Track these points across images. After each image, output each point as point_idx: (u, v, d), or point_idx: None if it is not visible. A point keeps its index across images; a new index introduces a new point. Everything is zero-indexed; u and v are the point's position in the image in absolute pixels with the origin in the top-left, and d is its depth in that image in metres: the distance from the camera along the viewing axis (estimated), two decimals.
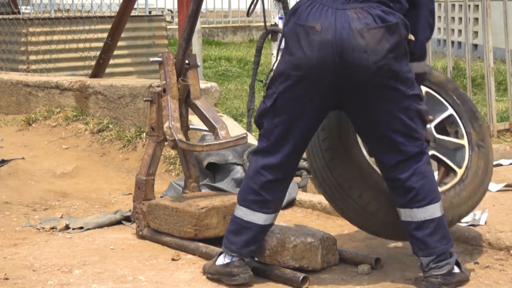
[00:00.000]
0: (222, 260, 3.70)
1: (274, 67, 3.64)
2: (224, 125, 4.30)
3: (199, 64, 4.58)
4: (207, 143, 4.24)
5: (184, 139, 4.22)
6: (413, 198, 3.57)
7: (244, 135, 4.28)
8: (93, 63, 7.08)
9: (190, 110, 4.48)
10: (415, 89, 3.56)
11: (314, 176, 3.88)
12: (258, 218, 3.65)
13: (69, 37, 7.91)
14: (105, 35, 6.88)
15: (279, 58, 3.61)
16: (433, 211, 3.59)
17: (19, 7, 10.05)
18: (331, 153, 3.77)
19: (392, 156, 3.56)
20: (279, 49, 3.65)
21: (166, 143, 4.47)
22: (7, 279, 3.73)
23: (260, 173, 3.62)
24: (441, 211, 3.62)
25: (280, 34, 3.64)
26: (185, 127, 4.50)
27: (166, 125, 4.25)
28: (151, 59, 4.48)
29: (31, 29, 7.90)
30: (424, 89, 3.90)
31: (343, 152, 3.77)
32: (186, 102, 4.41)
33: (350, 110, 3.59)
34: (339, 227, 4.61)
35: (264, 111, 3.60)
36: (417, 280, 3.74)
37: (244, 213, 3.66)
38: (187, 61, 4.42)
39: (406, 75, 3.53)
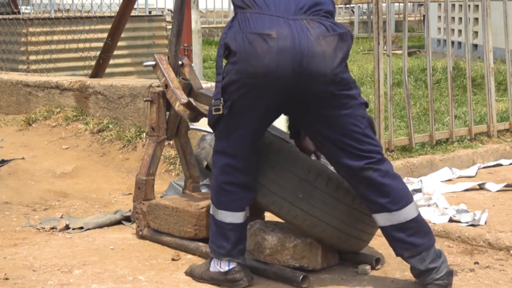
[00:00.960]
0: (216, 266, 3.70)
1: (223, 76, 3.59)
2: None
3: (193, 64, 4.59)
4: None
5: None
6: (389, 202, 3.58)
7: None
8: (93, 63, 7.08)
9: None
10: (363, 99, 3.65)
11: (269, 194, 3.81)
12: (238, 217, 3.69)
13: (69, 37, 7.91)
14: (105, 35, 6.87)
15: (226, 67, 3.58)
16: (411, 211, 3.60)
17: (19, 7, 10.05)
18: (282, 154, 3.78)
19: (357, 160, 3.57)
20: (221, 60, 3.62)
21: (166, 143, 4.47)
22: (7, 279, 3.74)
23: (228, 173, 3.67)
24: (417, 210, 3.65)
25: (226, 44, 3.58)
26: (185, 127, 4.51)
27: (177, 104, 4.21)
28: (145, 63, 4.49)
29: (31, 29, 7.90)
30: None
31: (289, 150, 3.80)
32: (190, 96, 4.41)
33: (305, 116, 3.62)
34: None
35: (219, 117, 3.62)
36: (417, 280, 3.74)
37: (224, 216, 3.68)
38: (180, 62, 4.44)
39: (354, 84, 3.61)
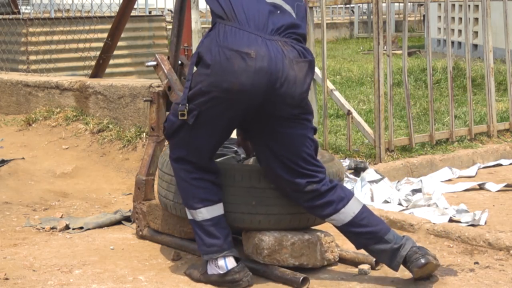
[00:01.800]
0: (214, 268, 3.70)
1: (192, 84, 3.63)
2: None
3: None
4: None
5: None
6: (334, 205, 3.72)
7: None
8: (93, 63, 7.08)
9: None
10: (314, 125, 3.80)
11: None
12: (219, 208, 3.73)
13: (69, 37, 7.91)
14: (105, 35, 6.87)
15: (195, 76, 3.62)
16: (356, 203, 3.74)
17: (19, 7, 10.05)
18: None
19: (300, 177, 3.69)
20: (193, 67, 3.67)
21: (166, 143, 4.47)
22: (7, 279, 3.74)
23: (193, 171, 3.72)
24: (361, 202, 3.79)
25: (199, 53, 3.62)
26: None
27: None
28: (147, 63, 4.49)
29: (31, 29, 7.91)
30: None
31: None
32: None
33: (261, 131, 3.70)
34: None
35: (181, 126, 3.68)
36: (417, 280, 3.74)
37: (205, 213, 3.71)
38: (180, 61, 4.44)
39: (311, 109, 3.75)
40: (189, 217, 3.77)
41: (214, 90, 3.56)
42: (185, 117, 3.62)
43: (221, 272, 3.68)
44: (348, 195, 3.76)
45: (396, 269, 3.71)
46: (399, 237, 3.72)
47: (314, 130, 3.78)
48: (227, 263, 3.68)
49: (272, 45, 3.56)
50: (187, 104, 3.62)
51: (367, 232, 3.71)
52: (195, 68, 3.65)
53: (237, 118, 3.66)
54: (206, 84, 3.57)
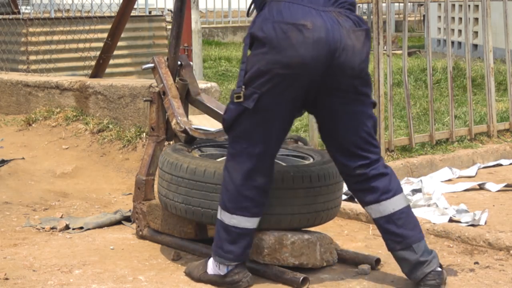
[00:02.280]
0: (215, 269, 3.67)
1: (248, 67, 3.52)
2: None
3: (191, 63, 4.59)
4: (218, 130, 4.19)
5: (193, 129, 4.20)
6: (379, 194, 3.64)
7: None
8: (93, 63, 7.08)
9: (189, 111, 4.48)
10: (373, 99, 3.70)
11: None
12: (253, 222, 3.64)
13: (69, 37, 7.90)
14: (105, 35, 6.87)
15: (250, 58, 3.52)
16: (400, 201, 3.65)
17: (19, 7, 10.05)
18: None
19: (353, 159, 3.63)
20: (247, 48, 3.56)
21: (166, 143, 4.47)
22: (7, 279, 3.74)
23: (251, 177, 3.59)
24: (407, 202, 3.70)
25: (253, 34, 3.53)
26: None
27: (173, 122, 4.24)
28: (144, 66, 4.49)
29: (31, 29, 7.90)
30: None
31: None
32: (187, 100, 4.41)
33: (323, 110, 3.62)
34: (338, 227, 4.61)
35: (242, 113, 3.54)
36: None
37: (239, 221, 3.62)
38: (179, 62, 4.43)
39: (370, 82, 3.67)
40: (219, 216, 3.66)
41: (274, 68, 3.45)
42: (241, 99, 3.49)
43: (222, 273, 3.66)
44: (395, 189, 3.65)
45: (414, 281, 3.65)
46: (427, 251, 3.63)
47: (374, 104, 3.68)
48: (229, 267, 3.66)
49: (327, 16, 3.48)
50: (243, 87, 3.50)
51: (398, 233, 3.62)
52: (249, 52, 3.54)
53: (299, 97, 3.54)
54: (265, 63, 3.46)
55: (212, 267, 3.69)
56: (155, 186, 4.45)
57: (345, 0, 3.57)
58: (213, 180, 3.77)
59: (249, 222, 3.62)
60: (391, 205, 3.64)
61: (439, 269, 3.63)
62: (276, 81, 3.47)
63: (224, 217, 3.64)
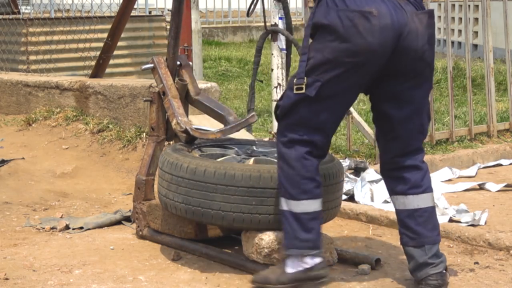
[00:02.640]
0: (296, 265, 3.56)
1: (310, 56, 3.49)
2: (230, 111, 4.28)
3: (190, 63, 4.59)
4: (219, 129, 4.19)
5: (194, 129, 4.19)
6: (409, 187, 3.63)
7: (253, 113, 4.24)
8: (93, 63, 7.08)
9: (189, 111, 4.48)
10: (432, 84, 3.68)
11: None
12: (319, 204, 3.59)
13: (69, 37, 7.90)
14: (105, 35, 6.87)
15: (313, 46, 3.49)
16: (427, 200, 3.64)
17: (19, 7, 10.05)
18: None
19: (403, 146, 3.62)
20: (308, 40, 3.52)
21: (166, 143, 4.47)
22: (7, 279, 3.74)
23: (306, 159, 3.55)
24: (433, 202, 3.68)
25: (306, 26, 3.50)
26: None
27: (174, 122, 4.24)
28: (143, 67, 4.48)
29: (31, 29, 7.90)
30: None
31: None
32: (187, 100, 4.41)
33: (382, 93, 3.62)
34: (338, 227, 4.61)
35: (301, 100, 3.51)
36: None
37: (307, 205, 3.56)
38: (178, 62, 4.43)
39: (433, 66, 3.65)
40: (284, 207, 3.58)
41: (340, 56, 3.45)
42: (302, 91, 3.48)
43: (306, 266, 3.55)
44: (426, 186, 3.64)
45: (416, 279, 3.65)
46: (438, 255, 3.62)
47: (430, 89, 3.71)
48: (315, 259, 3.56)
49: (389, 1, 3.48)
50: (305, 78, 3.48)
51: (415, 230, 3.61)
52: (310, 40, 3.54)
53: (363, 83, 3.55)
54: (330, 51, 3.45)
55: (291, 264, 3.57)
56: (155, 186, 4.45)
57: None
58: (213, 180, 3.77)
59: (316, 204, 3.58)
60: (417, 201, 3.63)
61: (444, 271, 3.62)
62: (342, 69, 3.47)
63: (292, 206, 3.57)
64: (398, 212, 3.68)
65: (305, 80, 3.48)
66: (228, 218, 3.76)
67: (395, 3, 3.50)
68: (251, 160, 4.05)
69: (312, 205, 3.57)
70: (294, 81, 3.51)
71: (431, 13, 3.59)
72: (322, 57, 3.47)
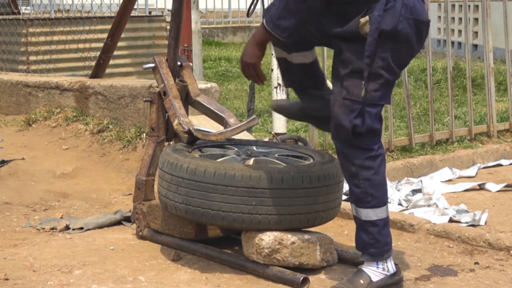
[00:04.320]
0: (380, 272, 3.57)
1: (380, 68, 3.48)
2: (230, 113, 4.28)
3: (190, 64, 4.59)
4: (220, 131, 4.19)
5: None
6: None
7: (254, 116, 4.24)
8: (93, 63, 7.08)
9: (190, 111, 4.48)
10: None
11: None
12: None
13: (69, 37, 7.90)
14: (105, 35, 6.87)
15: (382, 53, 3.45)
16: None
17: (19, 7, 10.05)
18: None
19: None
20: (373, 47, 3.47)
21: (166, 143, 4.47)
22: (7, 279, 3.74)
23: (384, 160, 3.60)
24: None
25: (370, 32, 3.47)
26: None
27: (175, 122, 4.24)
28: (144, 66, 4.48)
29: (31, 30, 7.90)
30: None
31: None
32: (187, 101, 4.41)
33: None
34: (339, 227, 4.61)
35: (379, 112, 3.54)
36: (417, 280, 3.74)
37: (386, 210, 3.60)
38: (179, 63, 4.43)
39: None
40: (373, 217, 3.57)
41: (405, 62, 3.59)
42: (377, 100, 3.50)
43: (390, 272, 3.57)
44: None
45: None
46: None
47: None
48: (392, 264, 3.59)
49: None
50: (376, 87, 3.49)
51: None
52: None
53: None
54: (397, 58, 3.49)
55: (375, 272, 3.57)
56: (155, 187, 4.45)
57: None
58: (213, 181, 3.77)
59: (387, 210, 3.62)
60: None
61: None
62: (394, 76, 3.56)
63: (381, 212, 3.56)
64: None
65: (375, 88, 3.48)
66: (228, 218, 3.76)
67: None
68: (251, 161, 4.05)
69: (387, 210, 3.63)
70: (373, 95, 3.47)
71: None
72: (392, 67, 3.48)
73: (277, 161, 3.98)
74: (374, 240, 3.56)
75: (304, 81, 3.92)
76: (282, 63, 3.93)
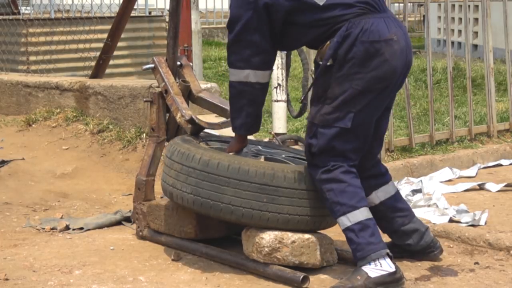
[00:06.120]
0: (378, 269, 3.60)
1: (337, 92, 3.62)
2: None
3: (190, 63, 4.59)
4: (224, 121, 4.20)
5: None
6: (383, 175, 4.01)
7: None
8: (93, 63, 7.08)
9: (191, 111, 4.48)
10: None
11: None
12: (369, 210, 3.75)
13: (69, 37, 7.90)
14: (105, 35, 6.88)
15: (337, 80, 3.62)
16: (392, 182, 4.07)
17: (19, 7, 10.05)
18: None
19: (380, 148, 4.03)
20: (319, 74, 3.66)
21: (166, 143, 4.48)
22: (7, 279, 3.74)
23: (351, 172, 3.70)
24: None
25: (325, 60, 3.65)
26: None
27: (178, 115, 4.24)
28: (144, 67, 4.49)
29: (31, 30, 7.90)
30: None
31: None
32: (189, 99, 4.42)
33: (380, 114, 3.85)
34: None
35: (339, 133, 3.65)
36: (417, 280, 3.74)
37: (367, 211, 3.69)
38: (179, 62, 4.43)
39: None
40: (348, 223, 3.67)
41: (370, 84, 3.61)
42: (338, 124, 3.64)
43: (391, 270, 3.60)
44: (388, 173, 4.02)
45: (421, 249, 3.96)
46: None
47: None
48: (389, 262, 3.61)
49: (393, 21, 3.69)
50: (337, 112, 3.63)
51: (405, 208, 3.96)
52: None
53: (386, 101, 3.77)
54: (360, 82, 3.60)
55: (373, 269, 3.61)
56: (156, 187, 4.45)
57: (381, 3, 3.74)
58: (226, 174, 3.75)
59: (369, 210, 3.73)
60: (393, 184, 3.99)
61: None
62: (372, 97, 3.64)
63: (355, 217, 3.67)
64: (385, 203, 3.89)
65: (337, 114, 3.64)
66: (237, 213, 3.75)
67: (396, 22, 3.70)
68: (262, 158, 4.04)
69: (369, 211, 3.70)
70: (327, 118, 3.65)
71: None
72: (355, 90, 3.61)
73: (289, 162, 4.00)
74: (356, 244, 3.66)
75: None
76: None
